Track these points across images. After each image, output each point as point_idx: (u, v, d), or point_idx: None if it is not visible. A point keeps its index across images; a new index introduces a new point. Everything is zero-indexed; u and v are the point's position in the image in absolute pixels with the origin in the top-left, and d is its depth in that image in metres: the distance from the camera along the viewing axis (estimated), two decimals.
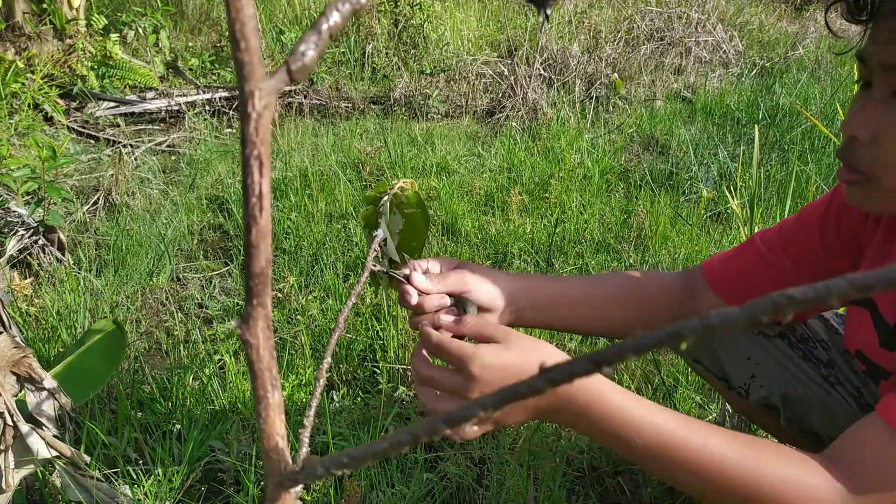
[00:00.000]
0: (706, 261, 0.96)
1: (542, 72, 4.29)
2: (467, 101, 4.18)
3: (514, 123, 3.78)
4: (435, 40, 4.80)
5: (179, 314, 1.70)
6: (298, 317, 1.65)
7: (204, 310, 1.76)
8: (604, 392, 0.63)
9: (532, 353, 0.65)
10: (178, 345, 1.56)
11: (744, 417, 1.16)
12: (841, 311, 1.04)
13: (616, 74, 4.41)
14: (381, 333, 1.56)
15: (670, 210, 2.27)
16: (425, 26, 4.85)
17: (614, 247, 2.10)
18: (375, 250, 0.82)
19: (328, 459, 0.39)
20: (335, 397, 1.41)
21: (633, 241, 2.14)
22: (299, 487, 0.42)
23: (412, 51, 4.77)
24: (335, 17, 0.36)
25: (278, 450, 0.45)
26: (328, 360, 0.48)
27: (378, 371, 1.47)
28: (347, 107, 4.02)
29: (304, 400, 1.36)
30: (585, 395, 0.63)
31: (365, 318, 1.62)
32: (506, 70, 4.22)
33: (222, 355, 1.47)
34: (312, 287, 1.81)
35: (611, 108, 4.18)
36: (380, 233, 0.85)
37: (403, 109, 3.96)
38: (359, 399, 1.41)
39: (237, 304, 1.75)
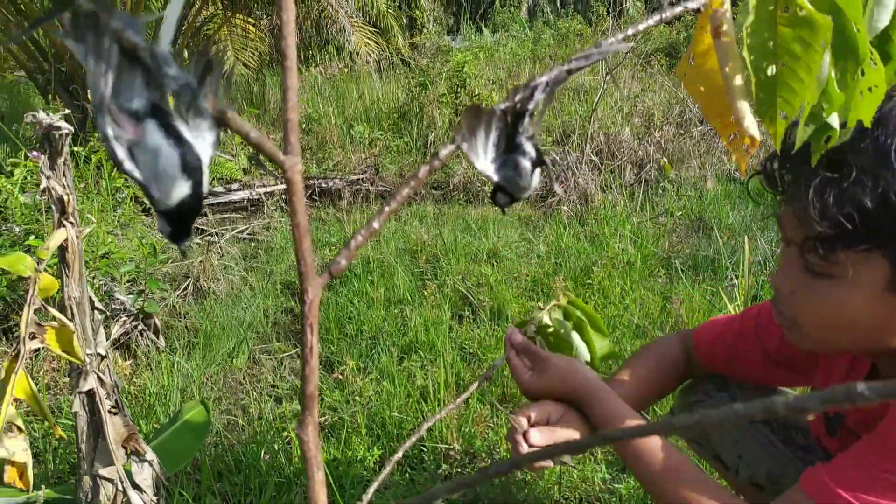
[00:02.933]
0: (702, 327, 1.11)
1: (593, 157, 4.50)
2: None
3: (564, 207, 3.98)
4: None
5: (254, 393, 1.93)
6: (356, 397, 1.84)
7: (275, 389, 1.98)
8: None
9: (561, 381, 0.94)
10: (253, 422, 1.78)
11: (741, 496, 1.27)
12: None
13: (665, 159, 4.57)
14: (427, 415, 1.74)
15: (704, 301, 2.38)
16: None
17: (651, 333, 2.22)
18: (489, 377, 1.05)
19: None
20: (386, 469, 1.58)
21: (670, 328, 2.26)
22: None
23: None
24: (359, 239, 0.58)
25: None
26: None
27: (425, 450, 1.64)
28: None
29: (358, 474, 1.54)
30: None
31: (414, 400, 1.80)
32: (557, 157, 4.46)
33: (290, 432, 1.68)
34: (370, 369, 2.01)
35: (660, 191, 4.33)
36: (498, 362, 1.08)
37: (461, 195, 4.24)
38: (406, 475, 1.57)
39: None
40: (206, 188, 0.48)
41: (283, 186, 4.08)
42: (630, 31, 0.71)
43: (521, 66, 7.27)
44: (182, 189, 0.45)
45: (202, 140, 0.48)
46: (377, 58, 8.43)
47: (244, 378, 2.01)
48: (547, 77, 0.67)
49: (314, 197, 4.14)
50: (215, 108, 0.47)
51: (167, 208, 0.46)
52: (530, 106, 0.65)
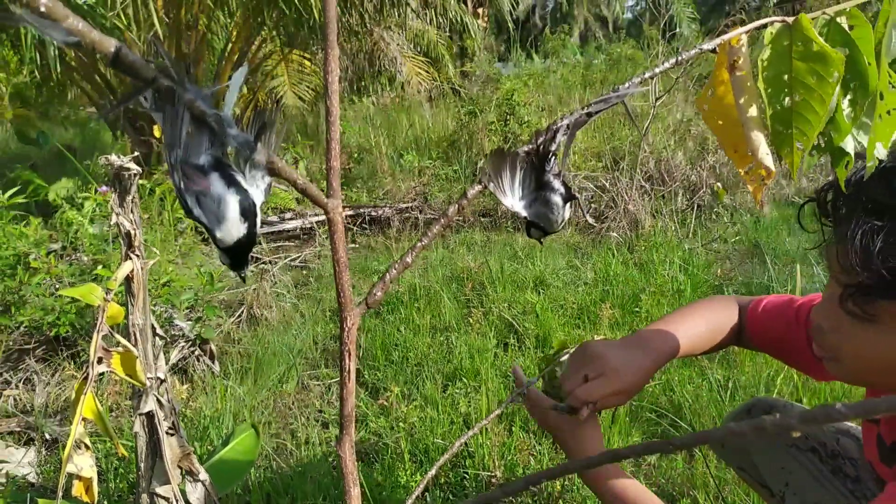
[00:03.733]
0: (756, 303, 1.09)
1: (644, 183, 4.47)
2: (571, 213, 4.42)
3: (614, 234, 3.96)
4: None
5: (302, 418, 1.99)
6: (400, 423, 1.88)
7: (322, 414, 2.03)
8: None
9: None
10: (300, 445, 1.84)
11: None
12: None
13: (719, 184, 4.50)
14: (470, 441, 1.75)
15: None
16: None
17: (702, 363, 2.19)
18: (514, 400, 1.09)
19: None
20: (427, 497, 1.60)
21: (720, 359, 2.22)
22: None
23: None
24: (393, 272, 0.63)
25: None
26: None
27: (467, 476, 1.66)
28: (458, 220, 4.39)
29: (400, 499, 1.57)
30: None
31: (457, 427, 1.82)
32: (607, 183, 4.44)
33: (335, 457, 1.72)
34: (414, 396, 2.04)
35: (713, 217, 4.26)
36: (533, 380, 1.12)
37: (509, 222, 4.26)
38: (449, 501, 1.59)
39: None
40: (258, 228, 0.54)
41: None
42: (647, 75, 0.75)
43: (571, 93, 7.28)
44: (240, 230, 0.52)
45: (256, 187, 0.54)
46: (428, 87, 8.61)
47: (293, 403, 2.08)
48: (567, 120, 0.71)
49: (364, 225, 4.24)
50: (268, 160, 0.53)
51: (227, 246, 0.52)
52: (553, 147, 0.69)
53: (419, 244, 0.67)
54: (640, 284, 2.87)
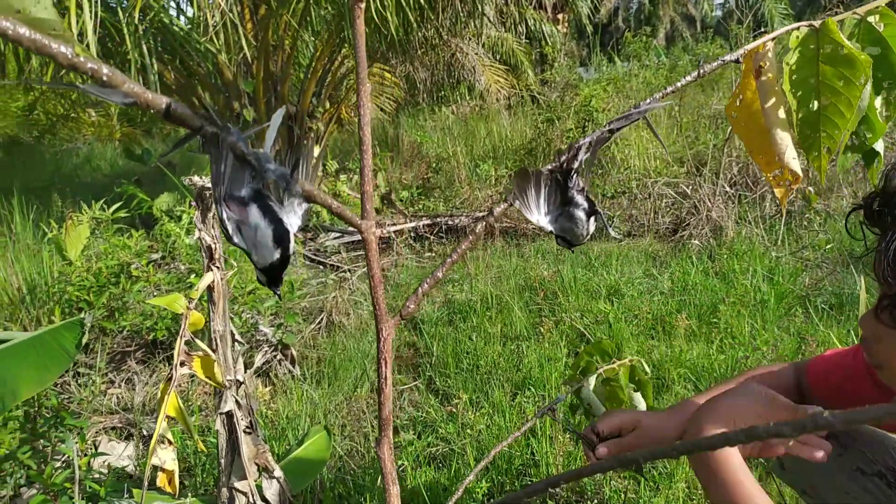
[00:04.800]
0: (814, 363, 1.06)
1: (728, 188, 4.32)
2: (650, 221, 4.33)
3: (695, 241, 3.85)
4: (620, 161, 5.03)
5: (375, 422, 2.07)
6: (468, 430, 1.92)
7: (394, 419, 2.11)
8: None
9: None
10: (372, 449, 1.91)
11: None
12: None
13: (811, 188, 4.28)
14: (536, 450, 1.77)
15: (844, 343, 2.22)
16: (612, 148, 5.12)
17: None
18: (552, 408, 1.13)
19: None
20: None
21: None
22: None
23: (599, 171, 5.06)
24: (425, 286, 0.68)
25: None
26: None
27: (531, 482, 1.67)
28: (535, 229, 4.39)
29: (464, 503, 1.61)
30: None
31: (524, 436, 1.84)
32: (688, 189, 4.32)
33: (404, 461, 1.79)
34: (483, 404, 2.08)
35: (804, 223, 4.05)
36: (562, 396, 1.16)
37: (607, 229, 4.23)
38: None
39: (422, 416, 2.08)
40: (292, 250, 0.60)
41: (412, 224, 4.30)
42: (669, 90, 0.76)
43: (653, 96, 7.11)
44: (273, 255, 0.58)
45: (294, 214, 0.61)
46: (507, 95, 8.64)
47: (366, 407, 2.16)
48: (590, 138, 0.73)
49: (440, 234, 4.32)
50: (305, 190, 0.59)
51: (263, 267, 0.59)
52: (575, 165, 0.72)
53: (449, 260, 0.71)
54: (719, 294, 2.78)
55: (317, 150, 5.00)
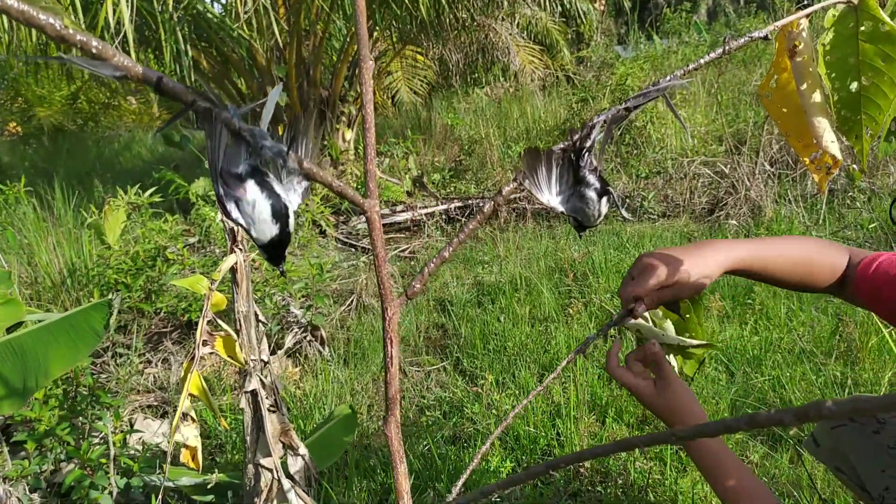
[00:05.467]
0: (869, 259, 0.98)
1: (768, 167, 4.19)
2: (685, 201, 4.24)
3: (732, 221, 3.76)
4: (657, 140, 4.92)
5: (402, 402, 2.08)
6: (493, 411, 1.92)
7: (422, 399, 2.12)
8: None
9: (672, 412, 0.93)
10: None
11: None
12: None
13: (855, 165, 4.13)
14: (561, 430, 1.77)
15: (883, 323, 2.14)
16: (647, 127, 5.02)
17: (818, 359, 2.05)
18: (582, 350, 1.10)
19: None
20: (518, 489, 1.64)
21: (839, 354, 2.06)
22: None
23: (634, 151, 4.97)
24: (431, 266, 0.67)
25: (404, 500, 0.75)
26: None
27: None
28: None
29: (489, 482, 1.61)
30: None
31: (548, 416, 1.84)
32: (726, 169, 4.21)
33: (427, 440, 1.80)
34: (509, 384, 2.08)
35: (848, 202, 3.91)
36: (592, 337, 1.12)
37: (617, 211, 4.16)
38: (538, 488, 1.62)
39: (448, 396, 2.09)
40: (292, 228, 0.60)
41: (444, 207, 4.29)
42: (691, 67, 0.74)
43: (693, 74, 6.93)
44: (272, 230, 0.58)
45: (293, 191, 0.61)
46: (541, 75, 8.52)
47: None
48: (605, 116, 0.72)
49: (472, 216, 4.30)
50: (303, 167, 0.59)
51: (263, 244, 0.59)
52: (588, 144, 0.70)
53: (455, 240, 0.71)
54: None
55: (349, 135, 5.02)
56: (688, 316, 1.04)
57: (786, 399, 1.88)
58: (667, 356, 1.02)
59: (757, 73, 6.00)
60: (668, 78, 0.72)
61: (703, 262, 0.91)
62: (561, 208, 0.71)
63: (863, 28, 0.69)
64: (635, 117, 5.14)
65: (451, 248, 0.71)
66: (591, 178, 0.70)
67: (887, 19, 0.66)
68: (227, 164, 0.54)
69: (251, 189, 0.55)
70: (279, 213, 0.56)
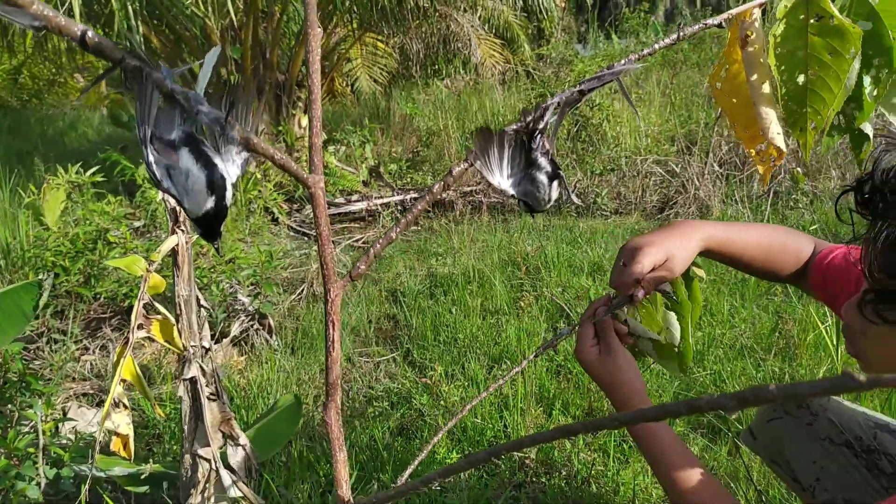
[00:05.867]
0: (825, 252, 1.01)
1: (717, 167, 4.29)
2: (637, 199, 4.31)
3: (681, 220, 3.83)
4: (612, 138, 4.98)
5: (350, 392, 2.05)
6: (442, 402, 1.91)
7: (370, 390, 2.09)
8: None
9: (608, 384, 0.92)
10: (345, 420, 1.90)
11: None
12: None
13: (799, 168, 4.26)
14: (508, 422, 1.77)
15: (821, 322, 2.21)
16: (603, 125, 5.08)
17: (758, 355, 2.10)
18: (553, 345, 1.08)
19: (366, 499, 0.66)
20: (463, 475, 1.63)
21: (778, 350, 2.12)
22: None
23: (590, 149, 5.02)
24: (377, 247, 0.65)
25: (342, 491, 0.72)
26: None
27: (502, 457, 1.67)
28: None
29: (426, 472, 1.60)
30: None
31: (496, 407, 1.84)
32: (677, 168, 4.30)
33: (373, 431, 1.78)
34: (458, 376, 2.07)
35: (791, 203, 4.04)
36: (565, 331, 1.11)
37: (574, 207, 4.20)
38: (483, 479, 1.61)
39: (396, 387, 2.07)
40: (229, 201, 0.57)
41: (400, 198, 4.26)
42: (645, 52, 0.73)
43: (649, 73, 7.05)
44: (207, 202, 0.55)
45: (231, 162, 0.57)
46: (502, 70, 8.53)
47: (342, 379, 2.15)
48: (558, 98, 0.70)
49: (427, 208, 4.28)
50: (242, 136, 0.56)
51: (196, 217, 0.56)
52: (541, 126, 0.69)
53: (403, 220, 0.69)
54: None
55: (305, 121, 4.93)
56: (682, 298, 1.02)
57: (725, 393, 1.92)
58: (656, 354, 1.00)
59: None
60: (623, 62, 0.71)
61: (687, 239, 0.93)
62: (512, 191, 0.70)
63: (812, 21, 0.70)
64: (591, 114, 5.19)
65: (398, 230, 0.68)
66: (543, 161, 0.69)
67: (836, 13, 0.66)
68: (158, 129, 0.51)
69: (185, 157, 0.52)
70: (215, 185, 0.53)
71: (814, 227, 3.58)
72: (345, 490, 0.74)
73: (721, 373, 1.99)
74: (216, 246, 0.57)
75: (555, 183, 0.71)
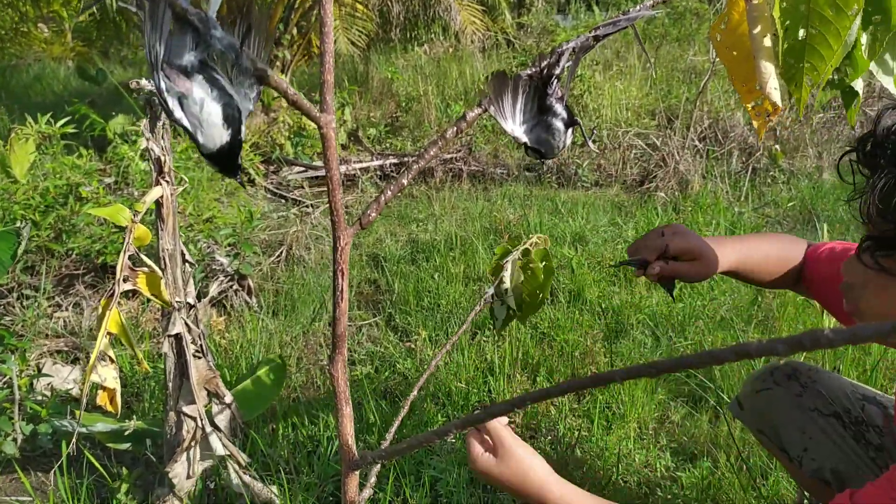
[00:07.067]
0: (816, 249, 1.04)
1: (697, 143, 4.31)
2: (618, 171, 4.31)
3: (662, 194, 3.85)
4: (593, 110, 4.97)
5: None
6: (426, 367, 1.90)
7: (352, 353, 2.08)
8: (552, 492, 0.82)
9: (520, 482, 0.84)
10: (327, 381, 1.88)
11: (805, 491, 1.21)
12: None
13: (777, 146, 4.31)
14: (493, 388, 1.77)
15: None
16: (585, 97, 5.05)
17: (738, 326, 2.13)
18: (488, 301, 1.10)
19: (375, 452, 0.64)
20: (450, 439, 1.63)
21: (757, 323, 2.15)
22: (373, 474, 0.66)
23: None
24: (388, 194, 0.62)
25: (348, 445, 0.71)
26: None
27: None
28: (503, 173, 4.34)
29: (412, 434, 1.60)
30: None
31: (480, 373, 1.83)
32: (657, 141, 4.31)
33: (360, 395, 1.76)
34: (442, 341, 2.06)
35: (769, 180, 4.09)
36: (490, 290, 1.13)
37: (554, 177, 4.20)
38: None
39: (380, 351, 2.05)
40: (243, 135, 0.53)
41: (378, 163, 4.20)
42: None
43: (630, 47, 7.02)
44: (223, 137, 0.51)
45: (244, 95, 0.54)
46: (482, 37, 8.41)
47: (324, 341, 2.12)
48: (574, 43, 0.68)
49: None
50: (256, 67, 0.52)
51: (210, 152, 0.52)
52: (556, 71, 0.66)
53: (415, 166, 0.66)
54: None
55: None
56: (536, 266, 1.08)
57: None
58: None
59: (691, 50, 6.15)
60: (638, 8, 0.69)
61: (720, 257, 0.94)
62: (524, 139, 0.68)
63: None
64: (573, 86, 5.16)
65: (409, 175, 0.66)
66: (559, 108, 0.67)
67: None
68: (169, 54, 0.47)
69: (199, 86, 0.48)
70: (231, 118, 0.49)
71: (791, 203, 3.63)
72: (350, 444, 0.73)
73: (702, 343, 2.01)
74: (239, 180, 0.53)
75: (570, 130, 0.69)
